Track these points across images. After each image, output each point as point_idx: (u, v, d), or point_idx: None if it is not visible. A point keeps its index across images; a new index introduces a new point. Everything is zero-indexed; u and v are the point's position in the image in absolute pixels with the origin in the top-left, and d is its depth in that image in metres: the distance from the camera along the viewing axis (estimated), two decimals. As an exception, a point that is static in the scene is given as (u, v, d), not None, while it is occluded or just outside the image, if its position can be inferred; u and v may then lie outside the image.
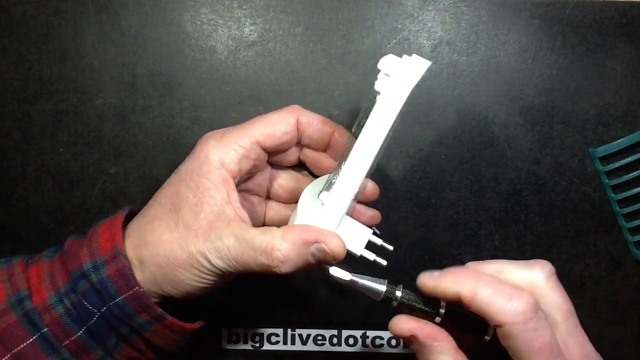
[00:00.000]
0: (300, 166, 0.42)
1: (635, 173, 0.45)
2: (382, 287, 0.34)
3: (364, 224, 0.38)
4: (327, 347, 0.48)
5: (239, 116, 0.45)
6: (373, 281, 0.34)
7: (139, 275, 0.34)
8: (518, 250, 0.47)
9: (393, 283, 0.35)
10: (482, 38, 0.45)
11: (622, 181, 0.46)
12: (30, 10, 0.44)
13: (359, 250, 0.37)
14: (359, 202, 0.41)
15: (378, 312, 0.48)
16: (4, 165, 0.46)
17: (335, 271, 0.34)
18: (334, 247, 0.33)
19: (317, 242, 0.33)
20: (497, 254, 0.47)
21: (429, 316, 0.35)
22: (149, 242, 0.34)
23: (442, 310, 0.34)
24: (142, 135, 0.46)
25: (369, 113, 0.33)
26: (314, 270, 0.35)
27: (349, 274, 0.34)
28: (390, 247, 0.38)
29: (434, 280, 0.33)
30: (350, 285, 0.34)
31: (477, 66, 0.45)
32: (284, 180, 0.41)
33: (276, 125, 0.36)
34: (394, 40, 0.45)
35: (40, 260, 0.36)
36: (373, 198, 0.40)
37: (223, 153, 0.35)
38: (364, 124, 0.33)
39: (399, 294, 0.34)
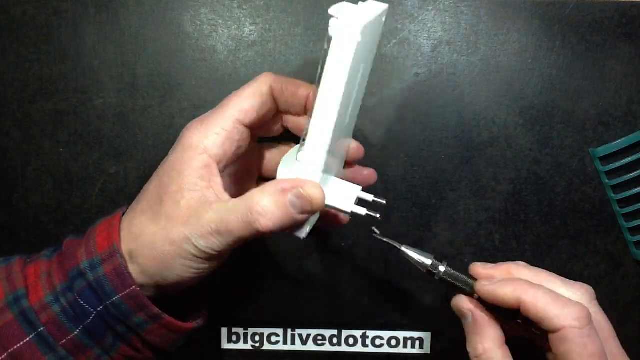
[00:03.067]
0: (288, 139, 0.42)
1: (635, 173, 0.45)
2: (428, 261, 0.38)
3: (360, 183, 0.38)
4: (327, 347, 0.48)
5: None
6: (421, 254, 0.38)
7: (131, 268, 0.34)
8: (518, 250, 0.47)
9: (437, 259, 0.38)
10: (482, 38, 0.45)
11: (622, 181, 0.46)
12: (30, 10, 0.44)
13: (349, 207, 0.36)
14: (349, 164, 0.41)
15: (378, 312, 0.48)
16: (4, 165, 0.46)
17: (388, 239, 0.38)
18: (311, 192, 0.33)
19: (294, 187, 0.33)
20: (497, 254, 0.47)
21: (465, 294, 0.39)
22: (137, 236, 0.34)
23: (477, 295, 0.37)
24: (142, 135, 0.46)
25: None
26: (296, 228, 0.34)
27: (400, 244, 0.38)
28: (383, 201, 0.39)
29: (493, 286, 0.36)
30: (400, 255, 0.38)
31: (477, 66, 0.45)
32: (274, 155, 0.41)
33: (252, 99, 0.36)
34: (394, 40, 0.45)
35: (39, 260, 0.36)
36: (359, 156, 0.40)
37: (204, 137, 0.34)
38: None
39: (442, 269, 0.38)
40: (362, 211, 0.37)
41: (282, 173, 0.37)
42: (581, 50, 0.45)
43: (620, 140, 0.45)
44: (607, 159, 0.46)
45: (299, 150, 0.35)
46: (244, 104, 0.36)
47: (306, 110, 0.39)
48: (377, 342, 0.48)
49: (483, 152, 0.46)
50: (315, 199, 0.33)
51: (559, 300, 0.34)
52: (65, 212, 0.46)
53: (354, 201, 0.37)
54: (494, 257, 0.47)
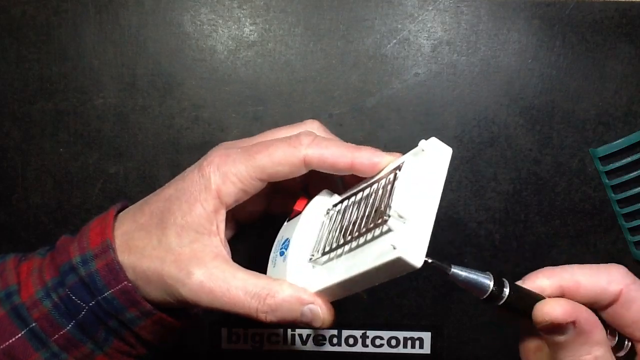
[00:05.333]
0: None
1: (635, 173, 0.45)
2: (488, 282, 0.30)
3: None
4: (327, 347, 0.48)
5: (239, 116, 0.45)
6: (478, 275, 0.30)
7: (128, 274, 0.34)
8: (518, 250, 0.47)
9: (495, 278, 0.31)
10: (482, 38, 0.45)
11: (622, 181, 0.46)
12: (30, 10, 0.44)
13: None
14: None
15: (378, 312, 0.48)
16: (4, 165, 0.46)
17: (436, 263, 0.30)
18: (327, 314, 0.33)
19: (313, 304, 0.32)
20: (497, 254, 0.47)
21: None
22: (131, 252, 0.33)
23: None
24: (142, 135, 0.46)
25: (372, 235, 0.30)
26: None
27: (450, 266, 0.31)
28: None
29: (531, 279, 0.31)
30: (449, 278, 0.31)
31: (477, 66, 0.45)
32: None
33: (279, 166, 0.34)
34: (394, 40, 0.45)
35: (33, 257, 0.36)
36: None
37: (222, 182, 0.33)
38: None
39: (506, 291, 0.30)
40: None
41: (293, 271, 0.33)
42: (581, 50, 0.45)
43: (620, 140, 0.45)
44: (607, 159, 0.46)
45: (314, 254, 0.33)
46: (269, 169, 0.34)
47: (357, 173, 0.35)
48: (377, 342, 0.48)
49: (483, 152, 0.46)
50: (326, 322, 0.33)
51: (599, 268, 0.31)
52: (65, 212, 0.46)
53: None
54: (494, 257, 0.47)
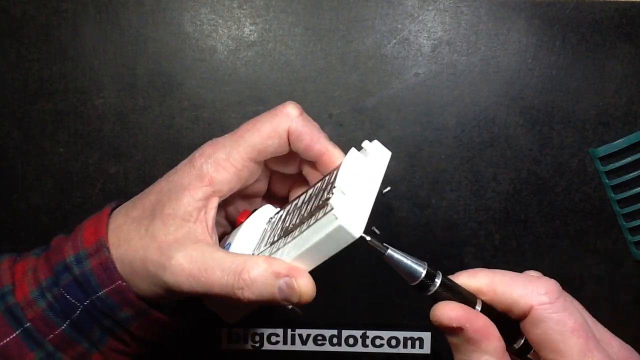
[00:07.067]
0: None
1: (635, 173, 0.45)
2: (421, 270, 0.30)
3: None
4: (327, 347, 0.48)
5: (239, 116, 0.45)
6: (412, 261, 0.31)
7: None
8: (518, 250, 0.47)
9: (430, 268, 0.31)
10: (482, 38, 0.45)
11: (622, 181, 0.46)
12: (30, 10, 0.44)
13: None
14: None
15: (378, 312, 0.48)
16: (4, 165, 0.46)
17: (373, 242, 0.31)
18: (303, 286, 0.31)
19: (288, 276, 0.31)
20: (497, 254, 0.47)
21: None
22: (121, 245, 0.33)
23: (479, 308, 0.31)
24: (142, 135, 0.46)
25: (319, 214, 0.30)
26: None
27: (386, 247, 0.31)
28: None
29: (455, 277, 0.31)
30: (384, 260, 0.31)
31: (477, 66, 0.45)
32: (283, 181, 0.40)
33: (269, 140, 0.34)
34: (394, 40, 0.45)
35: (27, 257, 0.36)
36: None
37: (214, 170, 0.34)
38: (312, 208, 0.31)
39: (437, 282, 0.30)
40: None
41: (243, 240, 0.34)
42: (581, 50, 0.45)
43: (620, 140, 0.45)
44: (607, 159, 0.46)
45: (255, 251, 0.34)
46: (259, 145, 0.34)
47: (317, 162, 0.36)
48: (377, 342, 0.48)
49: (483, 152, 0.46)
50: (304, 294, 0.31)
51: (518, 280, 0.30)
52: (65, 212, 0.46)
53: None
54: (494, 257, 0.47)
